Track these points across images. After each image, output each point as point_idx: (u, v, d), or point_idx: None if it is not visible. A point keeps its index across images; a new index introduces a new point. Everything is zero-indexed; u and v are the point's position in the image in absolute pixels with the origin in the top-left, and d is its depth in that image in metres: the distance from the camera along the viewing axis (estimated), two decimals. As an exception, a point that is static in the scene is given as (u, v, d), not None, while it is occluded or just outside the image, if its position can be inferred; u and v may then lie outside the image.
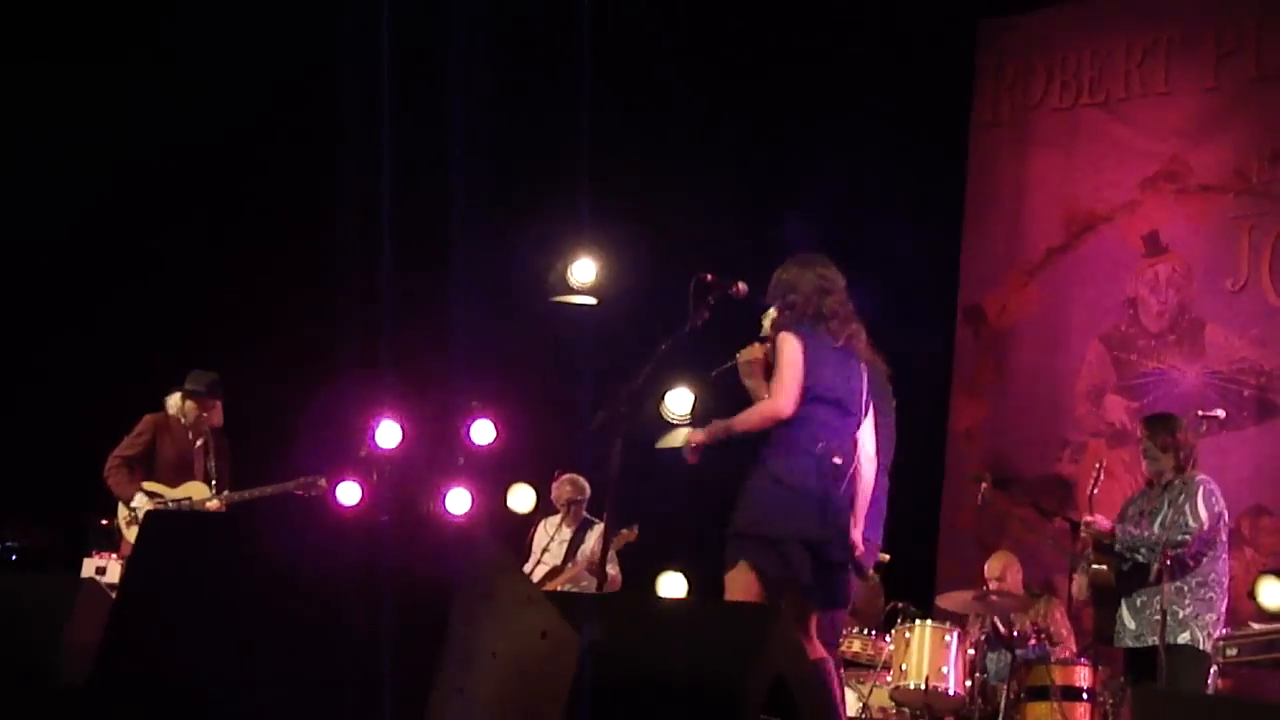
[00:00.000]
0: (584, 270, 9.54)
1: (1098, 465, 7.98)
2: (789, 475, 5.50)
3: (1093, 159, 11.16)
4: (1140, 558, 7.36)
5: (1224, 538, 7.43)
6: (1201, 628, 7.25)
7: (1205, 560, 7.33)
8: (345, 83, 9.16)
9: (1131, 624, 7.38)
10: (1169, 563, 7.20)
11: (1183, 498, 7.35)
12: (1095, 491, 7.75)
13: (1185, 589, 7.27)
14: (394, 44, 8.97)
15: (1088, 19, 11.42)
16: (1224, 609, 7.41)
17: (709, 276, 5.88)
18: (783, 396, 5.54)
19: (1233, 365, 10.28)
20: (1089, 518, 7.61)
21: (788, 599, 5.40)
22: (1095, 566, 7.55)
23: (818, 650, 5.53)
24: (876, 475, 5.78)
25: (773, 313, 5.92)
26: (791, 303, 5.77)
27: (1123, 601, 7.42)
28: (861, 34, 10.90)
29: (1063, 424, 10.97)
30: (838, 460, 5.47)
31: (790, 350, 5.59)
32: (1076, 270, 11.13)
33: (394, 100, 9.04)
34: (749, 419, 5.64)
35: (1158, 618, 7.22)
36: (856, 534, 5.62)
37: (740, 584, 5.51)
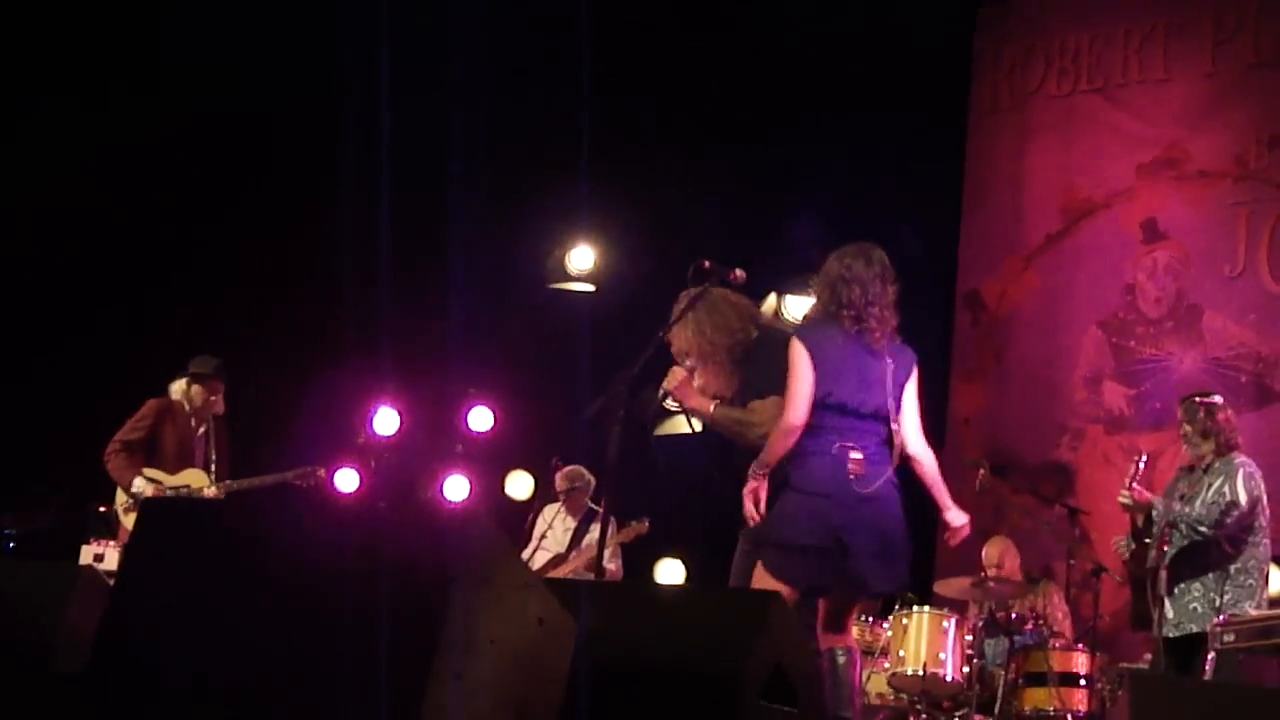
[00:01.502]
0: (582, 257, 9.56)
1: (1137, 459, 7.88)
2: (805, 481, 5.45)
3: (1091, 145, 11.15)
4: (1179, 534, 7.33)
5: (1263, 522, 7.37)
6: None
7: (1246, 546, 7.28)
8: (344, 70, 9.15)
9: (1170, 613, 7.35)
10: (1165, 546, 7.19)
11: (1222, 479, 7.31)
12: (1134, 486, 7.66)
13: (1225, 576, 7.23)
14: (393, 31, 8.96)
15: (1086, 5, 11.40)
16: (1265, 596, 7.34)
17: (707, 263, 5.87)
18: (791, 410, 5.45)
19: (1231, 351, 10.28)
20: (1126, 491, 7.55)
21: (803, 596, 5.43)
22: (1136, 551, 7.56)
23: (836, 640, 5.55)
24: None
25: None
26: (819, 295, 5.70)
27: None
28: (860, 21, 10.88)
29: (1061, 410, 10.97)
30: (857, 454, 5.44)
31: (795, 359, 5.49)
32: (1075, 257, 11.12)
33: (393, 88, 9.03)
34: (772, 448, 5.48)
35: (1194, 606, 7.24)
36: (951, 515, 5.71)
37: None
